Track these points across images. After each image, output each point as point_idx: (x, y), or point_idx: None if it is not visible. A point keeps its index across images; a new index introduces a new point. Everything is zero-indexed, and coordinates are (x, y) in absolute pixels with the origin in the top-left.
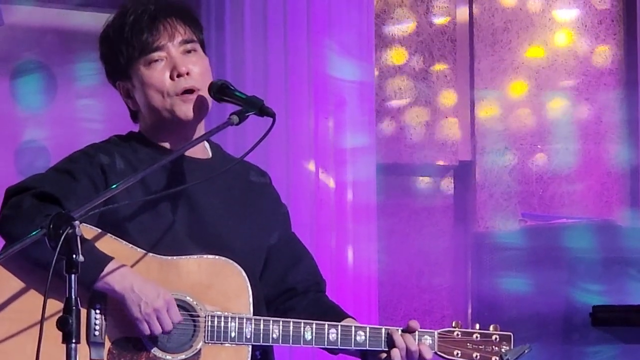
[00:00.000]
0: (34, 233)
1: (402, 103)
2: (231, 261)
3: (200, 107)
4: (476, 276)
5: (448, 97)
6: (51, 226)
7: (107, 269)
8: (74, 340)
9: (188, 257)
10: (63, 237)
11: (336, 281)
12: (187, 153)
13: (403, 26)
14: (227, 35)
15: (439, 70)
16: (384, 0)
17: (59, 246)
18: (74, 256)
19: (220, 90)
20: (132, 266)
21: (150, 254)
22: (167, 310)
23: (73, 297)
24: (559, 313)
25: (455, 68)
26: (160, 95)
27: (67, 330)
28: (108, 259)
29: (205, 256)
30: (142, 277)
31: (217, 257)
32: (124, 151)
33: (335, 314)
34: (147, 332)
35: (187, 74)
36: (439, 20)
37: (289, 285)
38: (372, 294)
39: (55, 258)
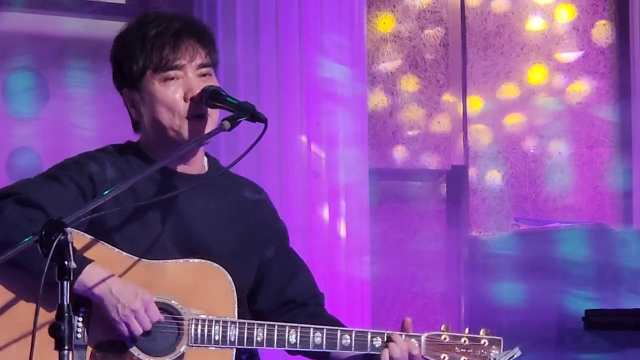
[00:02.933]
0: (26, 240)
1: (395, 107)
2: (216, 265)
3: (206, 130)
4: (469, 280)
5: (440, 102)
6: (43, 233)
7: (85, 272)
8: (66, 347)
9: (174, 261)
10: (55, 243)
11: (329, 286)
12: (182, 169)
13: (395, 30)
14: (219, 41)
15: (431, 75)
16: (376, 5)
17: (51, 253)
18: (66, 263)
19: (212, 97)
20: (118, 270)
21: (136, 258)
22: (145, 310)
23: (65, 303)
24: (551, 317)
25: (447, 73)
26: (171, 114)
27: (60, 337)
28: (87, 261)
29: (191, 260)
30: (120, 279)
31: (203, 260)
32: (117, 161)
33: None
34: (127, 333)
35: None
36: (431, 24)
37: (288, 298)
38: (365, 299)
39: (47, 264)
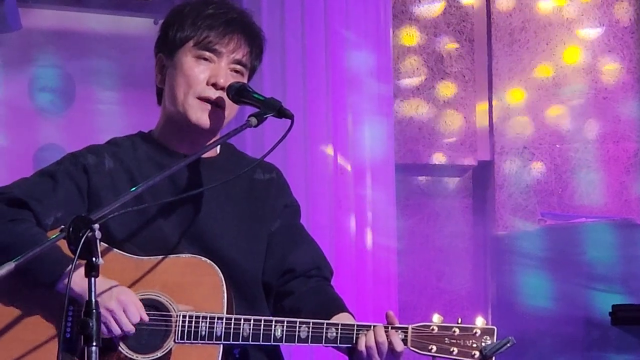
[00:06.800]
0: (54, 237)
1: (420, 103)
2: (206, 259)
3: (215, 120)
4: (496, 276)
5: (466, 98)
6: (71, 229)
7: (67, 270)
8: (94, 343)
9: (165, 256)
10: (83, 240)
11: (356, 283)
12: (191, 152)
13: (420, 25)
14: None
15: (457, 71)
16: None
17: (79, 249)
18: (94, 259)
19: (239, 93)
20: (107, 267)
21: (127, 254)
22: (123, 310)
23: (93, 300)
24: (578, 312)
25: (473, 68)
26: (187, 89)
27: (88, 333)
28: (69, 260)
29: (182, 255)
30: (103, 278)
31: (193, 256)
32: (118, 150)
33: (331, 306)
34: (106, 333)
35: (222, 88)
36: (456, 19)
37: (287, 267)
38: (392, 295)
39: (75, 261)
